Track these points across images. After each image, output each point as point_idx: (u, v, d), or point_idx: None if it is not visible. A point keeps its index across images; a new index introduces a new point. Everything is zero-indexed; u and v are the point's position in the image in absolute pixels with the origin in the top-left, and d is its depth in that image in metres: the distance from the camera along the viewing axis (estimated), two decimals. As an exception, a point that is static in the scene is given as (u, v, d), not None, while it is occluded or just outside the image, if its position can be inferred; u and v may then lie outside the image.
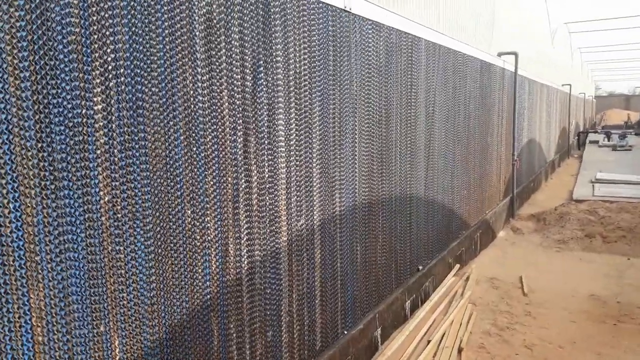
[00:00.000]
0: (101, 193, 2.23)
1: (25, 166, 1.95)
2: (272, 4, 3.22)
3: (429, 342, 4.85)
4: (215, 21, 2.79)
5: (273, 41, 3.26)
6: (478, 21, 8.67)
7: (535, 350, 4.78)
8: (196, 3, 2.67)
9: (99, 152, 2.21)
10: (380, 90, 4.77)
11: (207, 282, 2.85)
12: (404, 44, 5.24)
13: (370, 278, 4.79)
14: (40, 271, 2.02)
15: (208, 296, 2.86)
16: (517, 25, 12.29)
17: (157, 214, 2.51)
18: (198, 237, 2.77)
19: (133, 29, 2.33)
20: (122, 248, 2.34)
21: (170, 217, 2.59)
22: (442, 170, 6.65)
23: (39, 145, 1.98)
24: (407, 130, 5.46)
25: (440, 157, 6.58)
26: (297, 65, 3.52)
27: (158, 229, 2.52)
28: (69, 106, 2.08)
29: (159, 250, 2.54)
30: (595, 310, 5.76)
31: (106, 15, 2.20)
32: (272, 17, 3.23)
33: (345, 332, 4.38)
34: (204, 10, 2.72)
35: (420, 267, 5.98)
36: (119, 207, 2.32)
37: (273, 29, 3.25)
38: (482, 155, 8.67)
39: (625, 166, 17.44)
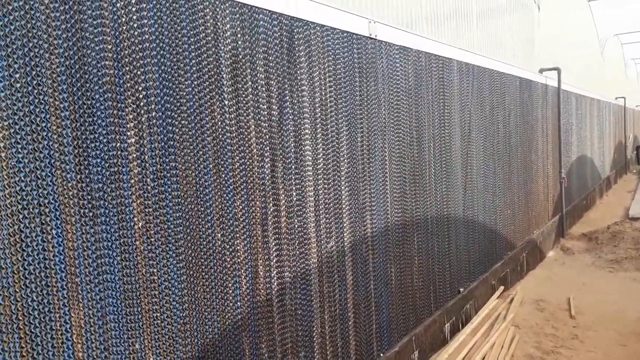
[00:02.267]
0: (135, 219, 2.42)
1: (66, 196, 2.16)
2: (295, 37, 3.39)
3: (469, 365, 4.77)
4: (240, 56, 2.98)
5: (298, 71, 3.42)
6: (516, 39, 8.61)
7: (582, 374, 4.61)
8: (222, 41, 2.87)
9: (132, 181, 2.41)
10: (410, 113, 4.84)
11: (238, 303, 2.98)
12: (435, 66, 5.31)
13: (406, 300, 4.80)
14: (80, 292, 2.21)
15: (239, 316, 2.99)
16: (561, 40, 12.07)
17: (189, 237, 2.68)
18: (228, 259, 2.91)
19: (162, 67, 2.54)
20: (155, 270, 2.51)
21: (201, 240, 2.75)
22: (482, 190, 6.59)
23: (78, 176, 2.20)
24: (442, 151, 5.48)
25: (480, 177, 6.53)
26: (323, 92, 3.67)
27: (190, 251, 2.69)
28: (105, 140, 2.29)
29: (191, 272, 2.70)
30: (649, 332, 5.48)
31: (137, 57, 2.42)
32: (297, 48, 3.41)
33: (381, 355, 4.39)
34: (230, 47, 2.92)
35: (461, 289, 5.90)
36: (152, 232, 2.50)
37: (298, 60, 3.41)
38: (526, 173, 8.49)
39: (688, 181, 16.50)
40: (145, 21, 2.46)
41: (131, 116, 2.40)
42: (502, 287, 6.86)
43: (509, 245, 7.61)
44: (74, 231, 2.19)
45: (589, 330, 5.60)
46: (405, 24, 4.88)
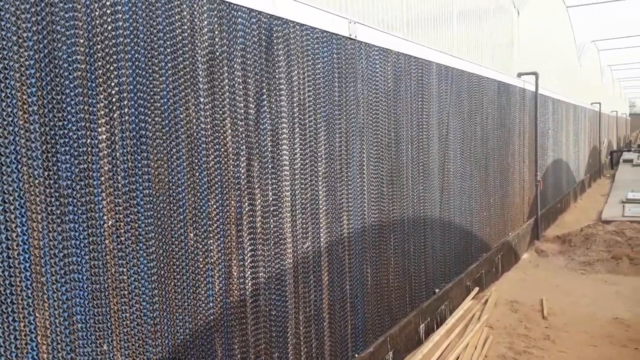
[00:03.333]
0: (105, 217, 2.37)
1: (32, 192, 2.10)
2: (274, 36, 3.37)
3: (442, 365, 4.80)
4: (217, 53, 2.94)
5: (276, 70, 3.39)
6: (495, 42, 8.71)
7: (553, 375, 4.69)
8: (199, 37, 2.83)
9: (102, 178, 2.36)
10: (389, 115, 4.85)
11: (211, 303, 2.94)
12: (414, 68, 5.33)
13: (382, 301, 4.81)
14: (45, 292, 2.15)
15: (212, 317, 2.95)
16: (539, 45, 12.26)
17: (160, 236, 2.64)
18: (201, 259, 2.88)
19: (137, 63, 2.49)
20: (125, 270, 2.47)
21: (173, 239, 2.71)
22: (458, 192, 6.64)
23: (46, 173, 2.14)
24: (419, 153, 5.51)
25: (457, 179, 6.58)
26: (301, 92, 3.65)
27: (161, 251, 2.64)
28: (75, 136, 2.24)
29: (162, 272, 2.65)
30: (618, 333, 5.60)
31: (111, 52, 2.37)
32: (275, 47, 3.38)
33: (356, 355, 4.39)
34: (207, 44, 2.88)
35: (437, 290, 5.94)
36: (122, 231, 2.45)
37: (276, 59, 3.39)
38: (503, 176, 8.60)
39: (659, 185, 16.92)
40: (120, 15, 2.41)
41: (103, 112, 2.35)
42: (477, 289, 6.93)
43: (485, 247, 7.69)
44: (40, 229, 2.13)
45: (560, 331, 5.70)
46: (386, 26, 4.89)
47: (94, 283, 2.33)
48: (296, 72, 3.58)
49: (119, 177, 2.43)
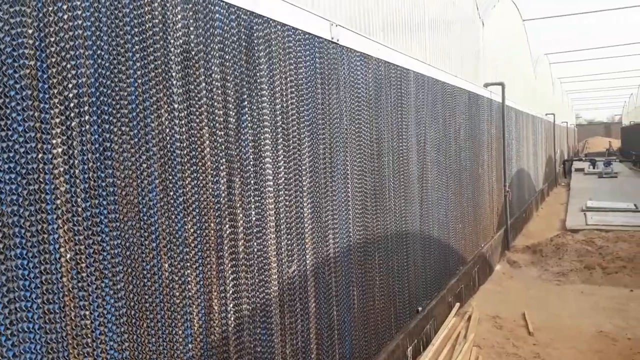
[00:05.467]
0: (62, 250, 1.92)
1: (-35, 223, 1.63)
2: (255, 35, 2.99)
3: (434, 392, 4.48)
4: (193, 52, 2.54)
5: (258, 73, 3.02)
6: (464, 52, 8.62)
7: (549, 397, 4.43)
8: (172, 34, 2.42)
9: (58, 202, 1.91)
10: (371, 124, 4.54)
11: (189, 345, 2.50)
12: (393, 75, 5.06)
13: (369, 325, 4.45)
14: (-17, 348, 1.68)
15: (190, 360, 2.51)
16: (501, 56, 12.36)
17: (129, 269, 2.19)
18: (177, 294, 2.44)
19: (99, 61, 2.06)
20: (87, 313, 2.01)
21: (145, 272, 2.27)
22: (436, 204, 6.40)
23: (-16, 197, 1.68)
24: (400, 164, 5.23)
25: (434, 191, 6.34)
26: (284, 99, 3.28)
27: (130, 287, 2.20)
28: (22, 150, 1.79)
29: (132, 312, 2.20)
30: (606, 348, 5.44)
31: (67, 47, 1.94)
32: (256, 48, 3.01)
33: (344, 387, 4.01)
34: (181, 41, 2.47)
35: (420, 309, 5.64)
36: (83, 265, 2.00)
37: (257, 61, 3.01)
38: (475, 187, 8.46)
39: (613, 193, 17.41)
40: (78, 3, 1.98)
41: (57, 120, 1.91)
42: (458, 304, 6.68)
43: (462, 260, 7.48)
44: (-23, 268, 1.67)
45: (549, 347, 5.49)
46: (362, 31, 4.60)
47: (48, 333, 1.86)
48: (278, 75, 3.22)
49: (79, 200, 1.98)
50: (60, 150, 1.92)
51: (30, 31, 1.82)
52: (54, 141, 1.89)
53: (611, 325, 6.13)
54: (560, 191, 21.57)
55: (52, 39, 1.89)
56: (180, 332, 2.45)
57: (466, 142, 7.98)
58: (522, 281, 8.33)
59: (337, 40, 3.93)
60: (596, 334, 5.87)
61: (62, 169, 1.92)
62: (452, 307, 6.47)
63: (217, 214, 2.69)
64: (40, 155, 1.84)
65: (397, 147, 5.15)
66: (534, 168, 16.90)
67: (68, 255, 1.94)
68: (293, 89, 3.38)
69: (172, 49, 2.43)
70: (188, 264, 2.50)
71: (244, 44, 2.91)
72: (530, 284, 8.11)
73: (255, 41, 3.01)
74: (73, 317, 1.95)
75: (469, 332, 5.67)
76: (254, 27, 2.99)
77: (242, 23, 2.90)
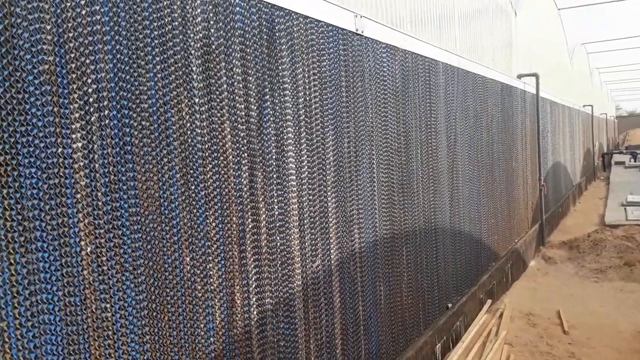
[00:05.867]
0: (82, 243, 1.94)
1: (-13, 216, 1.66)
2: (277, 28, 2.97)
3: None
4: (213, 47, 2.53)
5: (279, 67, 2.99)
6: (496, 43, 8.40)
7: (584, 397, 4.29)
8: (191, 28, 2.42)
9: (79, 196, 1.93)
10: (397, 117, 4.47)
11: (211, 339, 2.50)
12: (421, 67, 4.96)
13: (396, 321, 4.39)
14: (6, 340, 1.71)
15: (212, 354, 2.51)
16: (535, 47, 12.01)
17: (150, 263, 2.21)
18: (199, 287, 2.44)
19: (118, 56, 2.07)
20: (108, 305, 2.03)
21: (166, 265, 2.28)
22: (467, 199, 6.27)
23: (5, 190, 1.70)
24: (429, 158, 5.13)
25: (465, 185, 6.21)
26: (307, 91, 3.25)
27: (152, 280, 2.21)
28: (42, 145, 1.81)
29: (153, 305, 2.22)
30: (647, 348, 5.22)
31: (86, 42, 1.95)
32: (278, 41, 2.98)
33: (371, 383, 3.96)
34: (201, 35, 2.47)
35: (449, 305, 5.54)
36: (104, 259, 2.01)
37: (279, 54, 2.98)
38: (508, 181, 8.25)
39: (656, 187, 16.73)
40: (96, -2, 1.99)
41: (77, 115, 1.93)
42: (489, 301, 6.54)
43: (494, 256, 7.31)
44: (-1, 261, 1.70)
45: (584, 347, 5.31)
46: (389, 24, 4.52)
47: (69, 324, 1.89)
48: (301, 68, 3.18)
49: (99, 194, 2.00)
50: (80, 145, 1.93)
51: (48, 27, 1.83)
52: (73, 136, 1.91)
53: (652, 324, 5.88)
54: (599, 185, 20.88)
55: (71, 35, 1.91)
56: (202, 325, 2.45)
57: (499, 135, 7.79)
58: (557, 278, 8.09)
59: (362, 32, 3.87)
60: (636, 333, 5.64)
61: (82, 164, 1.94)
62: (483, 304, 6.33)
63: (239, 208, 2.68)
64: (60, 150, 1.86)
65: (425, 139, 5.05)
66: (571, 161, 16.40)
67: (89, 249, 1.96)
68: (316, 82, 3.34)
69: (192, 44, 2.42)
70: (210, 258, 2.50)
71: (265, 37, 2.88)
72: (566, 281, 7.87)
73: (277, 34, 2.98)
74: (94, 310, 1.97)
75: (501, 330, 5.53)
76: (276, 20, 2.96)
77: (263, 16, 2.87)
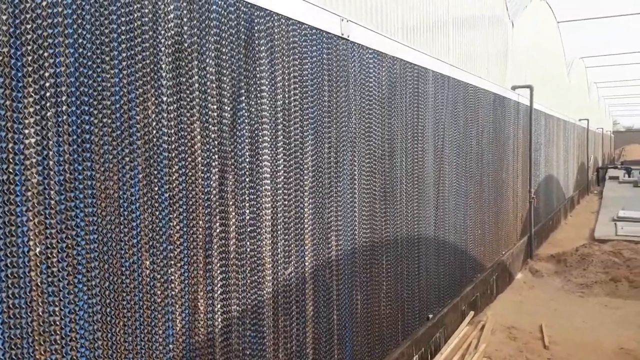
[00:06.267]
0: (31, 243, 1.86)
1: None
2: (256, 28, 2.90)
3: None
4: (186, 44, 2.46)
5: (257, 68, 2.92)
6: (491, 54, 8.37)
7: (560, 416, 4.22)
8: (163, 25, 2.35)
9: (29, 194, 1.85)
10: (382, 124, 4.40)
11: (170, 345, 2.43)
12: (410, 75, 4.90)
13: (372, 331, 4.32)
14: (-59, 342, 1.63)
15: (172, 361, 2.44)
16: (532, 59, 11.99)
17: (106, 266, 2.13)
18: (159, 292, 2.37)
19: (80, 50, 2.00)
20: (57, 309, 1.95)
21: (123, 269, 2.20)
22: (453, 209, 6.21)
23: (-54, 186, 1.63)
24: (414, 167, 5.07)
25: (452, 195, 6.15)
26: (286, 95, 3.18)
27: (107, 284, 2.13)
28: (-10, 139, 1.73)
29: (108, 310, 2.14)
30: (626, 367, 5.17)
31: (44, 34, 1.88)
32: (257, 42, 2.91)
33: (343, 394, 3.89)
34: (172, 32, 2.40)
35: (430, 316, 5.47)
36: (54, 260, 1.94)
37: (257, 55, 2.92)
38: (497, 192, 8.21)
39: (648, 203, 16.73)
40: (58, -10, 1.92)
41: (32, 109, 1.85)
42: (472, 313, 6.47)
43: (479, 267, 7.26)
44: (-63, 260, 1.62)
45: (564, 363, 5.26)
46: (379, 29, 4.46)
47: (12, 328, 1.81)
48: (280, 71, 3.12)
49: (52, 192, 1.92)
50: (33, 140, 1.86)
51: (4, 17, 1.76)
52: (26, 131, 1.84)
53: (635, 342, 5.83)
54: (592, 199, 20.89)
55: (28, 27, 1.83)
56: (160, 332, 2.38)
57: (489, 146, 7.74)
58: (543, 291, 8.04)
59: (348, 37, 3.81)
60: (618, 350, 5.59)
61: (34, 160, 1.86)
62: (465, 316, 6.27)
63: (206, 212, 2.61)
64: (9, 145, 1.79)
65: (411, 148, 4.99)
66: (564, 174, 16.39)
67: (37, 250, 1.88)
68: (297, 86, 3.27)
69: (163, 41, 2.35)
70: (172, 262, 2.43)
71: (243, 37, 2.82)
72: (552, 295, 7.82)
73: (257, 35, 2.91)
74: (41, 313, 1.90)
75: (481, 342, 5.47)
76: (255, 20, 2.90)
77: (242, 16, 2.81)
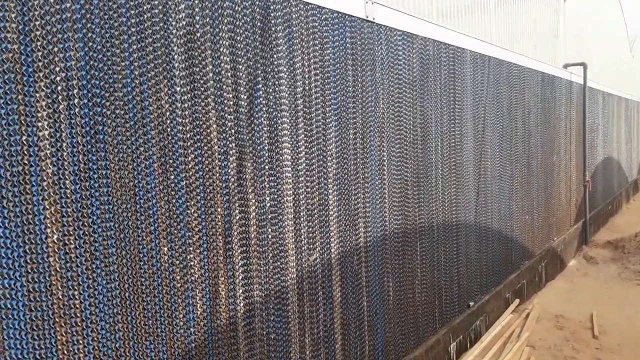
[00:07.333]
0: (48, 230, 1.95)
1: (-55, 202, 1.70)
2: (272, 15, 2.89)
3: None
4: (198, 34, 2.50)
5: (275, 55, 2.92)
6: (539, 31, 7.98)
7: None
8: (174, 15, 2.38)
9: (45, 184, 1.94)
10: (414, 108, 4.31)
11: (191, 329, 2.50)
12: (444, 56, 4.76)
13: (406, 318, 4.27)
14: (-35, 323, 1.75)
15: (193, 344, 2.51)
16: (588, 34, 11.34)
17: (124, 252, 2.21)
18: (178, 278, 2.43)
19: (90, 44, 2.07)
20: (76, 293, 2.05)
21: (141, 255, 2.28)
22: (497, 195, 6.01)
23: (-36, 177, 1.73)
24: (451, 151, 4.93)
25: (495, 180, 5.95)
26: (306, 81, 3.16)
27: (125, 269, 2.21)
28: (4, 132, 1.83)
29: (127, 294, 2.22)
30: (684, 358, 4.86)
31: (54, 30, 1.95)
32: (274, 29, 2.91)
33: (375, 380, 3.88)
34: (184, 22, 2.43)
35: (471, 304, 5.35)
36: (71, 246, 2.03)
37: (275, 42, 2.92)
38: (547, 176, 7.87)
39: None
40: (67, -14, 1.99)
41: (44, 102, 1.94)
42: (517, 301, 6.27)
43: (527, 254, 7.00)
44: (-41, 246, 1.73)
45: (613, 353, 5.00)
46: (408, 10, 4.34)
47: (33, 310, 1.92)
48: (300, 57, 3.10)
49: (67, 182, 2.01)
50: (46, 132, 1.94)
51: (13, 15, 1.84)
52: (39, 124, 1.92)
53: (695, 333, 5.47)
54: (658, 182, 19.62)
55: (37, 23, 1.91)
56: (181, 315, 2.45)
57: (537, 128, 7.42)
58: (597, 279, 7.67)
59: (373, 19, 3.74)
60: (675, 342, 5.26)
61: (48, 152, 1.95)
62: (509, 304, 6.08)
63: (224, 199, 2.65)
64: (24, 138, 1.88)
65: (447, 132, 4.86)
66: (627, 156, 15.49)
67: (55, 237, 1.97)
68: (318, 72, 3.25)
69: (175, 32, 2.39)
70: (191, 249, 2.49)
71: (258, 24, 2.82)
72: (606, 283, 7.45)
73: (273, 21, 2.91)
74: (60, 297, 1.99)
75: (524, 331, 5.29)
76: (271, 7, 2.89)
77: (257, 2, 2.81)
